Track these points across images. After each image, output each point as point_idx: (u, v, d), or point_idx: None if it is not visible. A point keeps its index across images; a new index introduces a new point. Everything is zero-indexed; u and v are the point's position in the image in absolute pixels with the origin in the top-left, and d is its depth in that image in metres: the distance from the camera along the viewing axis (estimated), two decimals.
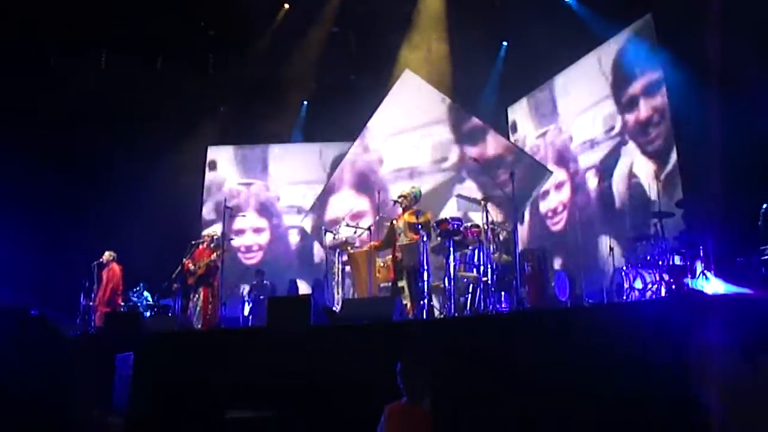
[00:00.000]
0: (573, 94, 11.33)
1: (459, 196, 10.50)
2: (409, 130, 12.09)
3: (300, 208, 13.24)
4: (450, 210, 10.58)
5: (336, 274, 8.94)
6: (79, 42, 11.64)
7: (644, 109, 9.80)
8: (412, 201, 8.08)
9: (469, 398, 4.86)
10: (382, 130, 12.15)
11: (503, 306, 7.69)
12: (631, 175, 9.98)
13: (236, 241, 12.30)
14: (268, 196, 13.61)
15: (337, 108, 12.20)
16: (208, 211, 13.44)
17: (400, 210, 8.14)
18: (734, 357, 3.55)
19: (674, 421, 4.31)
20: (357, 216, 10.72)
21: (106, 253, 10.06)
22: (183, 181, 12.70)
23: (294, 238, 13.36)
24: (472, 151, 11.35)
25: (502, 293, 7.85)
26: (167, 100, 12.34)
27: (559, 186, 11.40)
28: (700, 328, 3.98)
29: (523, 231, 11.36)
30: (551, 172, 11.28)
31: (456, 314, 7.23)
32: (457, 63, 11.65)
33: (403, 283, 7.65)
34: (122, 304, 10.01)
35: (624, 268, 7.79)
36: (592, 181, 10.73)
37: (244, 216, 12.49)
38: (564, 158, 11.44)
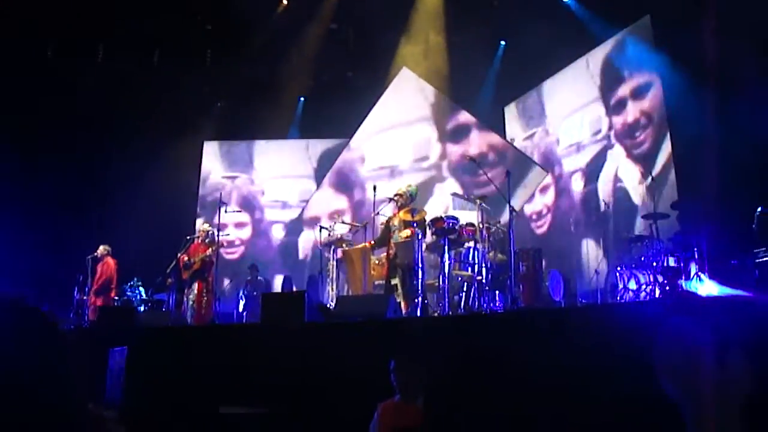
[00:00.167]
0: (561, 97, 11.33)
1: (454, 194, 10.50)
2: (397, 126, 12.06)
3: (285, 203, 13.08)
4: (432, 208, 10.27)
5: (330, 271, 8.94)
6: (77, 38, 11.60)
7: (632, 111, 9.80)
8: (407, 199, 8.09)
9: (462, 397, 4.86)
10: (371, 128, 12.12)
11: (497, 305, 7.69)
12: (617, 179, 9.99)
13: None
14: (251, 189, 13.36)
15: (334, 105, 12.18)
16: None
17: (395, 208, 8.14)
18: (711, 356, 3.54)
19: (669, 421, 4.32)
20: (337, 214, 10.59)
21: (101, 248, 10.03)
22: (179, 176, 12.65)
23: (278, 233, 13.12)
24: (469, 150, 11.36)
25: (497, 292, 7.85)
26: (164, 96, 12.30)
27: (543, 189, 11.41)
28: (673, 328, 3.98)
29: None
30: (548, 172, 11.29)
31: (450, 313, 7.23)
32: (454, 61, 11.64)
33: (396, 281, 7.66)
34: (116, 298, 9.99)
35: (618, 269, 7.80)
36: (577, 184, 10.73)
37: (239, 211, 12.41)
38: (549, 161, 11.45)
